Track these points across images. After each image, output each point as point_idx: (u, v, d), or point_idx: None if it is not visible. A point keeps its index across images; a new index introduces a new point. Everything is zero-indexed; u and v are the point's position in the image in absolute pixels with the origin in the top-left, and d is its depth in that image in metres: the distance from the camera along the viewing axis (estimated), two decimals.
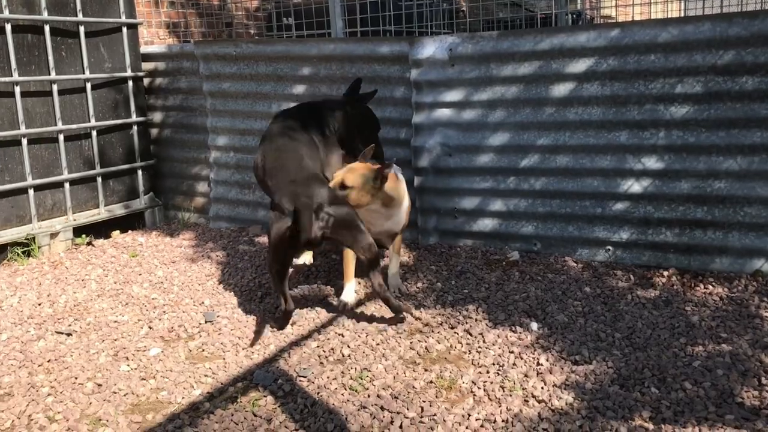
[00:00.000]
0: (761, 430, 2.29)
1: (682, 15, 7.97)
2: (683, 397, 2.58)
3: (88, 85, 5.19)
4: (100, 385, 2.93)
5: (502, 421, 2.49)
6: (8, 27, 4.64)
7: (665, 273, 3.83)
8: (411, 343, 3.18)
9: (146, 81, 5.79)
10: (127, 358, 3.18)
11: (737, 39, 3.61)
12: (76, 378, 2.99)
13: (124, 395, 2.84)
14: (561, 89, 4.08)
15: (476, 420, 2.51)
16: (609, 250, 4.09)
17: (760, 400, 2.50)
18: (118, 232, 5.41)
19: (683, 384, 2.65)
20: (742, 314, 3.26)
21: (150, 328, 3.54)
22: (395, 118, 4.66)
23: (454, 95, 4.41)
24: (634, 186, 3.96)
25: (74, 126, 5.13)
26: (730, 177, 3.73)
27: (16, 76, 4.71)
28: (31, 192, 4.87)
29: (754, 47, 3.58)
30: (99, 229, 5.33)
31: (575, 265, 4.08)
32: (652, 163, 3.91)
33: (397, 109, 4.65)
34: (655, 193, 3.92)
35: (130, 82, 5.51)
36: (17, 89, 4.72)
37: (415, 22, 6.21)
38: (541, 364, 2.90)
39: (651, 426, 2.39)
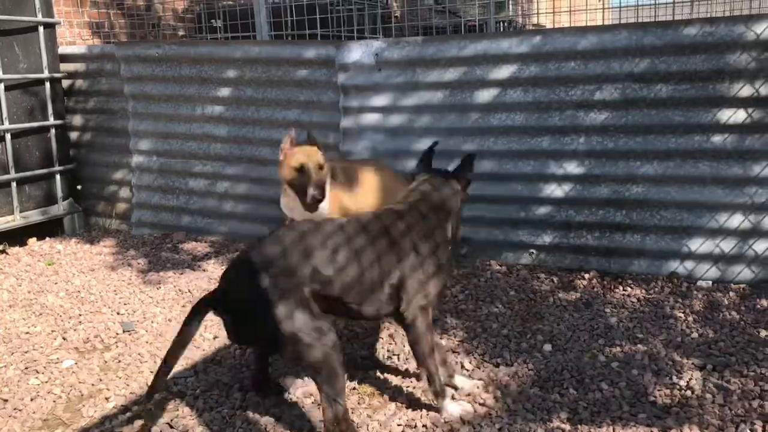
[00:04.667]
0: (671, 427, 2.35)
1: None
2: (600, 397, 2.62)
3: (1, 86, 4.96)
4: (6, 400, 2.79)
5: (423, 426, 2.48)
6: None
7: (586, 275, 3.91)
8: None
9: (65, 83, 5.58)
10: (38, 371, 3.04)
11: (651, 48, 3.72)
12: None
13: (32, 411, 2.71)
14: (485, 95, 4.13)
15: (398, 425, 2.49)
16: (533, 253, 4.15)
17: (671, 398, 2.57)
18: (35, 239, 5.19)
19: (600, 385, 2.70)
20: (657, 315, 3.36)
21: (64, 338, 3.40)
22: (323, 122, 4.62)
23: (381, 100, 4.40)
24: (556, 191, 4.03)
25: None
26: (647, 181, 3.84)
27: None
28: None
29: (666, 56, 3.70)
30: (14, 237, 5.09)
31: (500, 268, 4.12)
32: (573, 167, 3.99)
33: (325, 114, 4.62)
34: (576, 198, 4.00)
35: (48, 84, 5.29)
36: None
37: (343, 26, 6.18)
38: (465, 368, 2.91)
39: (568, 427, 2.42)
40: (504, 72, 4.05)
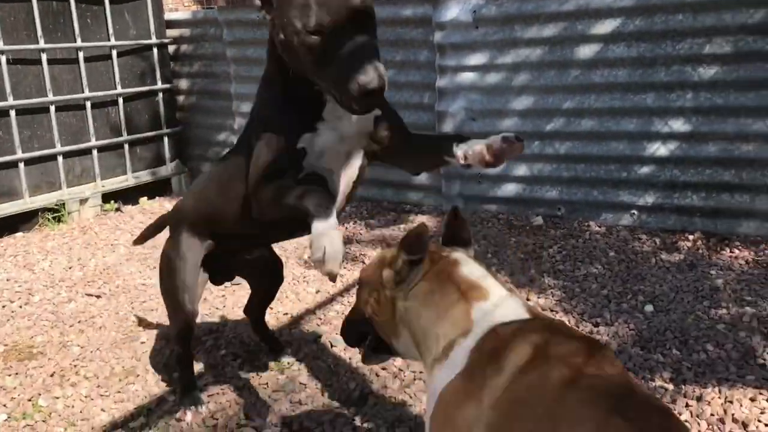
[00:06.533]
0: None
1: None
2: (705, 358, 2.57)
3: (114, 53, 5.23)
4: (128, 344, 3.01)
5: None
6: None
7: (691, 237, 3.79)
8: None
9: (171, 48, 5.81)
10: (157, 320, 3.25)
11: None
12: (106, 338, 3.07)
13: (157, 353, 2.91)
14: (586, 51, 4.02)
15: None
16: (634, 214, 4.05)
17: None
18: (145, 198, 5.49)
19: (705, 346, 2.65)
20: (767, 277, 3.23)
21: None
22: (418, 81, 4.64)
23: (478, 58, 4.36)
24: (660, 149, 3.91)
25: (101, 93, 5.18)
26: (759, 139, 3.66)
27: (42, 44, 4.76)
28: (60, 159, 4.95)
29: None
30: (127, 196, 5.41)
31: (599, 229, 4.05)
32: (678, 125, 3.84)
33: (421, 73, 4.62)
34: (681, 157, 3.86)
35: (155, 50, 5.54)
36: (44, 56, 4.78)
37: None
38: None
39: (671, 386, 2.39)
40: (606, 27, 3.92)
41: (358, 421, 2.33)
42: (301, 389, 2.56)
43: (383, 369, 2.65)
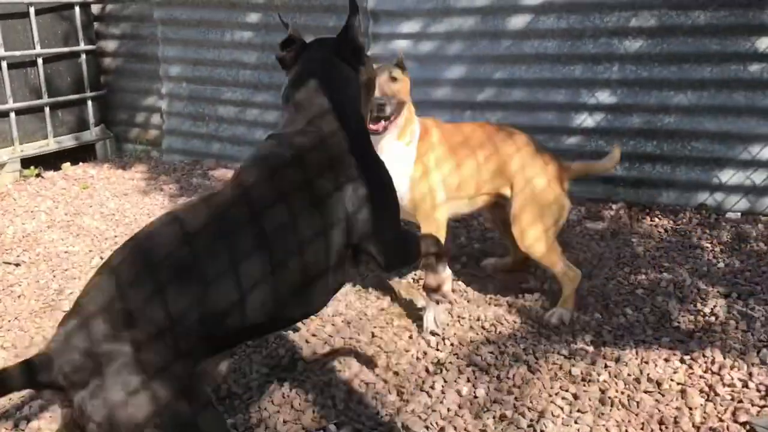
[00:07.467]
0: (693, 350, 2.40)
1: None
2: (624, 322, 2.67)
3: (32, 10, 4.97)
4: (52, 311, 2.92)
5: (450, 344, 2.56)
6: None
7: (614, 206, 3.91)
8: (362, 272, 3.22)
9: (95, 8, 5.57)
10: (79, 288, 3.16)
11: None
12: (25, 307, 2.97)
13: None
14: (518, 21, 4.05)
15: (428, 346, 2.57)
16: None
17: (694, 323, 2.61)
18: (68, 164, 5.29)
19: (625, 310, 2.75)
20: (684, 245, 3.37)
21: (101, 258, 3.51)
22: None
23: (411, 26, 4.35)
24: (587, 120, 4.00)
25: (18, 53, 4.93)
26: (680, 112, 3.79)
27: None
28: None
29: None
30: (49, 161, 5.20)
31: None
32: (605, 97, 3.94)
33: None
34: (607, 128, 3.96)
35: (78, 8, 5.29)
36: None
37: None
38: (490, 294, 2.97)
39: (591, 348, 2.48)
40: None
41: (287, 386, 2.33)
42: (230, 356, 2.53)
43: (313, 336, 2.65)
